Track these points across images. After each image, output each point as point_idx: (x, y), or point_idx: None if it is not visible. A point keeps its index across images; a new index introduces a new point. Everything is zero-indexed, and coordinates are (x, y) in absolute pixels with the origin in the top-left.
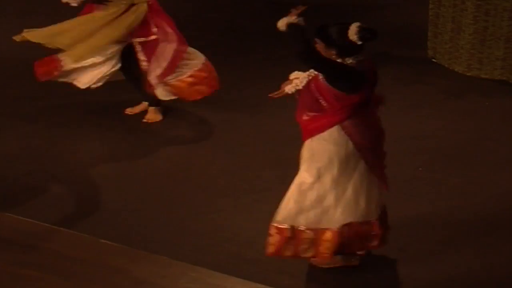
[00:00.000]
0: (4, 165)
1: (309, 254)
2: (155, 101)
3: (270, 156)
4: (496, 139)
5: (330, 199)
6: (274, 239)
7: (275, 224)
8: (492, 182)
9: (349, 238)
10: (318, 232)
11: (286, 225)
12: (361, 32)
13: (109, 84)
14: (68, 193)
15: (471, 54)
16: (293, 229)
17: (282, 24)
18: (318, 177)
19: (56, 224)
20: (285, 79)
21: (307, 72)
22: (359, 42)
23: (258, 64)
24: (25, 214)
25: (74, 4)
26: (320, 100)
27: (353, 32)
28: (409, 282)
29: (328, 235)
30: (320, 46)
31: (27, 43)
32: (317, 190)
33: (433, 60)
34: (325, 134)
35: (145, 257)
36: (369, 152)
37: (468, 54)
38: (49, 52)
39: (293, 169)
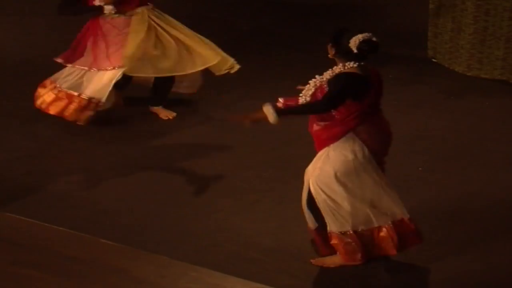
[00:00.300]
0: (4, 165)
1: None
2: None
3: (270, 156)
4: (496, 139)
5: (356, 203)
6: (338, 247)
7: (336, 233)
8: (492, 182)
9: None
10: (372, 231)
11: (340, 232)
12: (360, 44)
13: None
14: (68, 193)
15: (471, 54)
16: (349, 234)
17: None
18: (341, 184)
19: (56, 224)
20: (285, 79)
21: (312, 81)
22: (355, 51)
23: (258, 64)
24: (25, 214)
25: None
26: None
27: (353, 41)
28: (409, 282)
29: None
30: (329, 46)
31: (28, 43)
32: (341, 196)
33: (433, 60)
34: (340, 142)
35: (145, 257)
36: (382, 155)
37: (468, 54)
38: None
39: (293, 169)
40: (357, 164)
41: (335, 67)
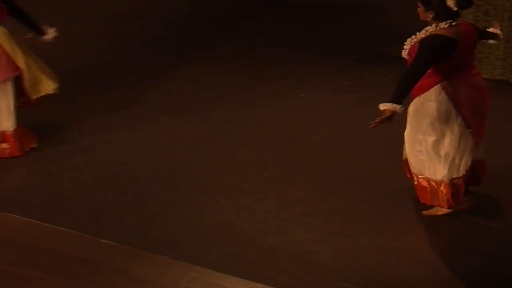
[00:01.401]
0: (4, 165)
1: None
2: None
3: (270, 156)
4: (496, 138)
5: (439, 150)
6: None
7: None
8: (492, 181)
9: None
10: (430, 181)
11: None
12: (458, 1)
13: (109, 85)
14: (68, 193)
15: None
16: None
17: None
18: (424, 132)
19: (56, 224)
20: (285, 79)
21: (409, 39)
22: (455, 8)
23: (258, 64)
24: (25, 214)
25: None
26: None
27: (451, 0)
28: (409, 282)
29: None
30: (420, 9)
31: (28, 43)
32: (425, 144)
33: None
34: (428, 93)
35: (145, 257)
36: (467, 110)
37: None
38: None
39: (293, 169)
40: (439, 115)
41: (428, 27)
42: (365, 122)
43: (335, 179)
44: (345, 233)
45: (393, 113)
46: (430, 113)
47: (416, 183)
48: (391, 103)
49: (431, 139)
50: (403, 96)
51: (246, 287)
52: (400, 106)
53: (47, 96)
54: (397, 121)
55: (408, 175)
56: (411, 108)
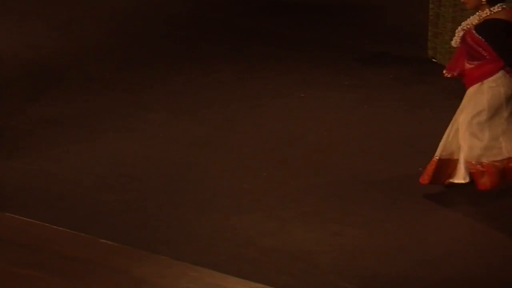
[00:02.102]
0: (4, 165)
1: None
2: None
3: (270, 156)
4: None
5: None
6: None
7: (474, 162)
8: None
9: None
10: (504, 162)
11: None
12: None
13: (109, 85)
14: (68, 193)
15: None
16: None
17: None
18: (491, 117)
19: (56, 224)
20: (285, 79)
21: (460, 27)
22: None
23: (258, 64)
24: (25, 214)
25: None
26: (480, 51)
27: None
28: (408, 282)
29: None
30: None
31: (28, 44)
32: (490, 128)
33: (433, 60)
34: (493, 78)
35: (145, 257)
36: None
37: None
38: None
39: (293, 169)
40: (506, 99)
41: (480, 11)
42: (365, 122)
43: (335, 179)
44: (345, 233)
45: None
46: (498, 97)
47: (474, 171)
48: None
49: (501, 121)
50: None
51: (246, 287)
52: None
53: (45, 96)
54: (396, 122)
55: (423, 180)
56: (471, 93)
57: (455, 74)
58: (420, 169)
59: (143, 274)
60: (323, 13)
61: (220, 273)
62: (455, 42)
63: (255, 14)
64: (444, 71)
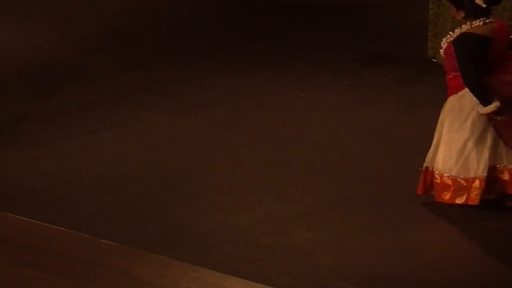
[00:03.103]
0: (4, 165)
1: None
2: None
3: (270, 156)
4: None
5: (469, 149)
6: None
7: (446, 174)
8: None
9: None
10: (468, 180)
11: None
12: None
13: (109, 85)
14: (68, 193)
15: None
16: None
17: None
18: (457, 130)
19: (56, 224)
20: (285, 79)
21: (445, 38)
22: (484, 5)
23: (258, 64)
24: (25, 214)
25: None
26: (455, 63)
27: None
28: (409, 282)
29: (476, 183)
30: (452, 9)
31: (28, 44)
32: (457, 141)
33: (433, 60)
34: (462, 92)
35: (145, 257)
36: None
37: None
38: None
39: (293, 169)
40: (473, 113)
41: (463, 25)
42: (365, 122)
43: (335, 179)
44: (345, 233)
45: (495, 108)
46: (463, 111)
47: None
48: (486, 106)
49: (475, 136)
50: (483, 94)
51: (246, 287)
52: (494, 101)
53: (45, 96)
54: (396, 122)
55: (420, 191)
56: (447, 106)
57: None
58: (420, 169)
59: (143, 274)
60: (323, 13)
61: (220, 273)
62: (442, 53)
63: (255, 14)
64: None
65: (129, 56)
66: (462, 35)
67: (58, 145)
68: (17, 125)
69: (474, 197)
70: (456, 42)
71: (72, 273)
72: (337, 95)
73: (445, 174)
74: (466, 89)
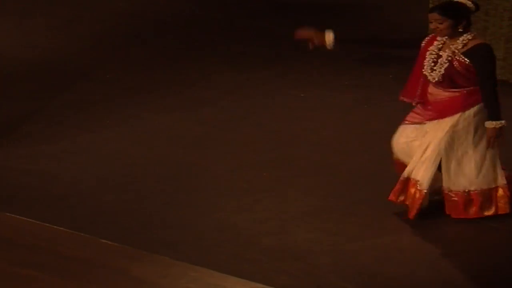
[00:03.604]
0: (4, 165)
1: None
2: None
3: (270, 156)
4: None
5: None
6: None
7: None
8: None
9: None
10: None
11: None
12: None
13: (109, 85)
14: (68, 193)
15: None
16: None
17: None
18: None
19: (56, 224)
20: (285, 79)
21: (441, 60)
22: (474, 9)
23: (258, 64)
24: (25, 214)
25: None
26: (468, 77)
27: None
28: (409, 282)
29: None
30: (444, 25)
31: (28, 44)
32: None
33: None
34: (478, 107)
35: (145, 257)
36: None
37: None
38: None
39: (293, 169)
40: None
41: (460, 38)
42: (365, 122)
43: (335, 179)
44: (345, 233)
45: (501, 128)
46: (481, 125)
47: (457, 199)
48: (496, 121)
49: (491, 151)
50: (499, 111)
51: (246, 287)
52: (503, 120)
53: (45, 96)
54: (396, 122)
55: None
56: (451, 121)
57: (414, 103)
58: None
59: (143, 274)
60: (323, 13)
61: (220, 273)
62: (436, 76)
63: (255, 14)
64: (401, 97)
65: (129, 56)
66: (481, 46)
67: (58, 145)
68: (17, 125)
69: (503, 205)
70: (481, 54)
71: (72, 273)
72: (337, 95)
73: (465, 190)
74: (481, 105)
